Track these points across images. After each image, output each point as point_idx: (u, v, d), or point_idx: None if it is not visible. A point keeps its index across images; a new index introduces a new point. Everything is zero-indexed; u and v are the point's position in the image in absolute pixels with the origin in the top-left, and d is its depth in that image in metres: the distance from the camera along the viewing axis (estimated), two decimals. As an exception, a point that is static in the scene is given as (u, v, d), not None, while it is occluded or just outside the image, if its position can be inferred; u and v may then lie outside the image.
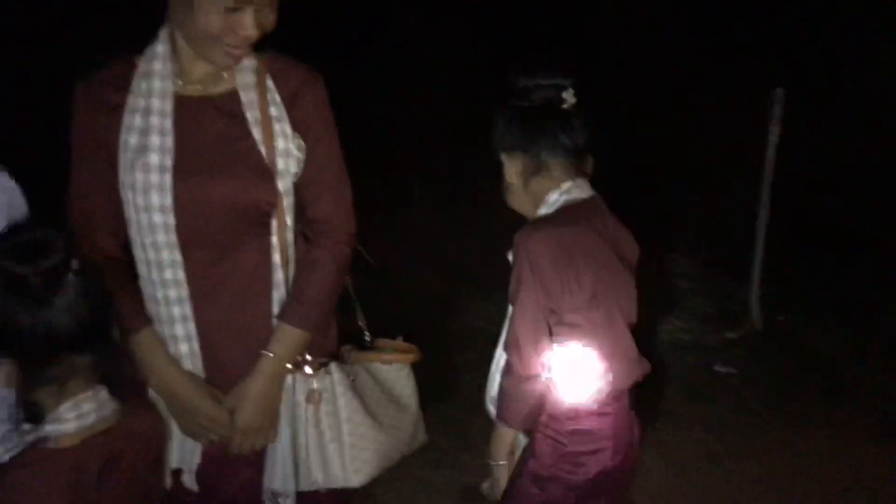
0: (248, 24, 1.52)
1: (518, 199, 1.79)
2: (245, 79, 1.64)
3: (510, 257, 1.72)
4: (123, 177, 1.60)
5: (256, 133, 1.62)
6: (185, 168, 1.59)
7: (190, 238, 1.62)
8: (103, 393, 1.40)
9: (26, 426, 1.38)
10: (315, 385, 1.71)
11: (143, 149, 1.59)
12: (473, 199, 4.23)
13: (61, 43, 5.35)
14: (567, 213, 1.71)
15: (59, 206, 1.70)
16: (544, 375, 1.71)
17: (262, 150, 1.62)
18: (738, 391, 3.70)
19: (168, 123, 1.60)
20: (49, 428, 1.36)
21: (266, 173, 1.62)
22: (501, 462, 1.80)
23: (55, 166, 1.75)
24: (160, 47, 1.61)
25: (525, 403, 1.72)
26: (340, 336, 1.83)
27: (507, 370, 1.74)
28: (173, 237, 1.60)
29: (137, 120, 1.60)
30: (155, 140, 1.59)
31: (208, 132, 1.62)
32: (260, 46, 1.62)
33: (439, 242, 4.81)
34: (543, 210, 1.74)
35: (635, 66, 7.31)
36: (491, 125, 1.78)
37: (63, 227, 1.37)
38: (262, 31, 1.56)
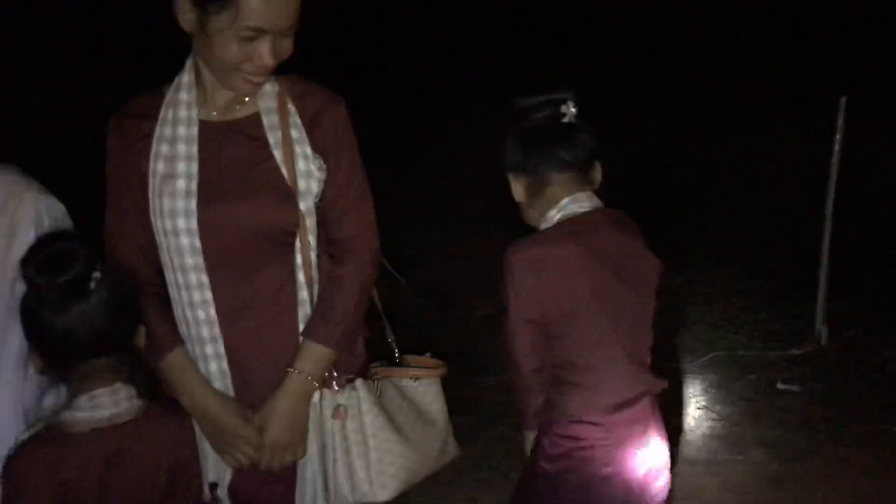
0: (265, 53, 1.57)
1: (528, 217, 1.84)
2: (267, 102, 1.70)
3: None
4: (153, 202, 1.67)
5: (278, 155, 1.67)
6: (210, 192, 1.65)
7: (216, 260, 1.67)
8: (123, 392, 1.53)
9: (46, 410, 1.56)
10: (341, 401, 1.74)
11: (171, 175, 1.66)
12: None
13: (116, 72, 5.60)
14: (559, 229, 1.75)
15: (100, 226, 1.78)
16: (539, 382, 1.76)
17: (284, 171, 1.67)
18: (802, 410, 3.58)
19: (194, 150, 1.66)
20: (64, 414, 1.51)
21: (288, 194, 1.67)
22: None
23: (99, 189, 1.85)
24: (185, 77, 1.68)
25: (529, 407, 1.79)
26: (369, 352, 1.86)
27: (511, 379, 1.80)
28: (200, 259, 1.66)
29: (165, 148, 1.67)
30: (181, 167, 1.66)
31: (232, 156, 1.68)
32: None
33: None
34: (544, 226, 1.79)
35: (700, 78, 7.22)
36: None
37: (87, 241, 1.51)
38: (278, 59, 1.61)
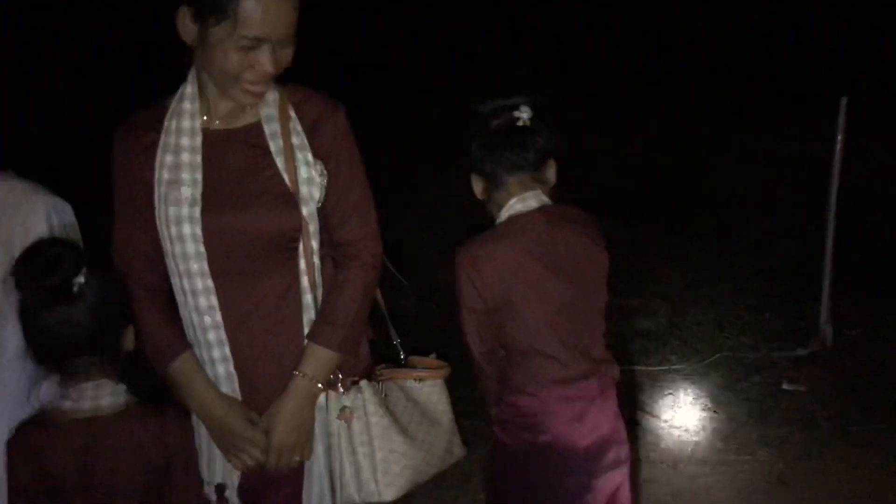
0: (265, 62, 1.60)
1: (489, 213, 1.97)
2: (268, 111, 1.73)
3: None
4: (158, 210, 1.70)
5: (279, 162, 1.70)
6: (214, 199, 1.68)
7: (221, 266, 1.70)
8: (108, 388, 1.63)
9: (38, 399, 1.68)
10: (346, 403, 1.76)
11: (175, 183, 1.69)
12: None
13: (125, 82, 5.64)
14: (501, 228, 1.92)
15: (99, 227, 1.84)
16: (489, 362, 1.96)
17: (286, 178, 1.70)
18: (807, 409, 3.59)
19: (197, 159, 1.69)
20: (54, 403, 1.64)
21: (290, 201, 1.70)
22: None
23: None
24: (189, 88, 1.72)
25: (489, 384, 1.99)
26: (374, 353, 1.89)
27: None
28: (205, 265, 1.69)
29: (169, 157, 1.70)
30: (186, 175, 1.69)
31: (234, 164, 1.71)
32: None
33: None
34: (497, 223, 1.93)
35: (701, 79, 7.23)
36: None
37: (77, 248, 1.62)
38: (279, 68, 1.64)
